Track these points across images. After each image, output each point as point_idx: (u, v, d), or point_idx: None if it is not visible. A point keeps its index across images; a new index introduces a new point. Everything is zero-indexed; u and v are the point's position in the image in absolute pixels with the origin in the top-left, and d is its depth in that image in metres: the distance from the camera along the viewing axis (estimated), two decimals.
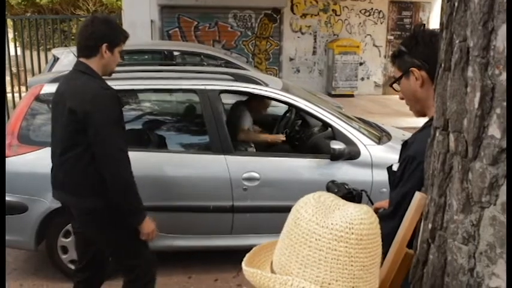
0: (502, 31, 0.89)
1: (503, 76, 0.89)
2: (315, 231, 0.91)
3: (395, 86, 1.71)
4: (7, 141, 3.56)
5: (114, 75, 3.95)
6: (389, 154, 3.54)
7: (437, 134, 1.14)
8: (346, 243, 0.90)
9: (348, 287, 0.91)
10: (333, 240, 0.90)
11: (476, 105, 0.95)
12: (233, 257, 4.06)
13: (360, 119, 4.56)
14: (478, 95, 0.95)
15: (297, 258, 0.93)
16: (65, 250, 3.68)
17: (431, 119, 1.55)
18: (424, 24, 1.78)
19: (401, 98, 1.74)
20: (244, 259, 1.03)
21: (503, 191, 0.91)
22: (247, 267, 0.98)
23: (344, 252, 0.90)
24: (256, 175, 3.56)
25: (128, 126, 3.86)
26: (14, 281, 3.77)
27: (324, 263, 0.90)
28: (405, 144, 1.70)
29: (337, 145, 3.56)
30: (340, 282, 0.91)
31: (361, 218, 0.92)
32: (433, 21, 12.04)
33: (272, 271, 0.98)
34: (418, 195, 1.24)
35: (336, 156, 3.55)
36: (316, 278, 0.91)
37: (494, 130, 0.92)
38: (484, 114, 0.94)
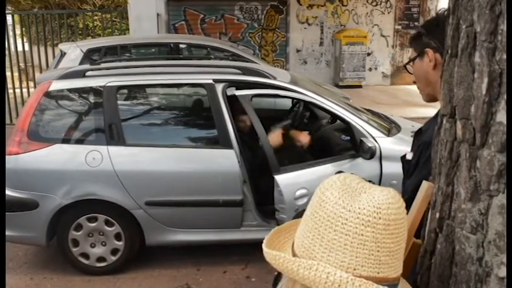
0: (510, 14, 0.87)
1: None
2: (341, 215, 0.88)
3: (408, 67, 1.69)
4: (17, 138, 3.58)
5: (122, 71, 3.98)
6: (399, 146, 3.51)
7: (444, 122, 1.12)
8: (373, 228, 0.87)
9: (373, 272, 0.88)
10: (360, 225, 0.87)
11: (484, 91, 0.93)
12: (241, 250, 4.08)
13: (368, 110, 4.53)
14: (485, 80, 0.93)
15: (322, 242, 0.90)
16: (75, 243, 3.71)
17: None
18: (446, 10, 1.76)
19: (414, 82, 1.72)
20: (264, 241, 0.99)
21: None
22: (268, 249, 0.94)
23: (371, 237, 0.87)
24: (304, 191, 3.40)
25: (140, 122, 3.90)
26: (24, 275, 3.81)
27: (350, 248, 0.87)
28: (419, 132, 1.69)
29: (370, 143, 3.50)
30: (365, 267, 0.88)
31: (388, 202, 0.89)
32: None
33: (294, 254, 0.94)
34: (425, 185, 1.22)
35: (372, 154, 3.47)
36: (341, 263, 0.88)
37: (503, 116, 0.90)
38: (491, 100, 0.92)
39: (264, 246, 0.96)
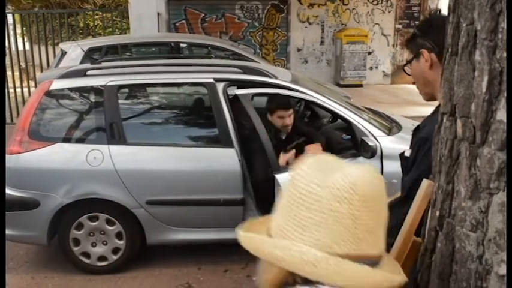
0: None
1: None
2: (314, 191, 0.85)
3: (406, 69, 1.72)
4: (18, 138, 3.59)
5: (123, 70, 3.99)
6: (400, 145, 3.50)
7: (444, 120, 1.12)
8: (349, 204, 0.84)
9: (351, 249, 0.85)
10: (335, 202, 0.84)
11: (484, 90, 0.93)
12: (242, 249, 4.07)
13: (369, 109, 4.52)
14: (485, 79, 0.93)
15: (295, 221, 0.86)
16: (76, 242, 3.71)
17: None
18: (440, 10, 1.78)
19: (413, 83, 1.74)
20: (242, 227, 0.97)
21: None
22: (243, 233, 0.92)
23: (347, 214, 0.84)
24: None
25: (144, 121, 3.90)
26: (25, 274, 3.82)
27: (325, 226, 0.84)
28: (417, 129, 1.71)
29: (371, 142, 3.49)
30: (342, 245, 0.84)
31: (365, 177, 0.85)
32: (442, 10, 11.85)
33: (269, 236, 0.91)
34: (425, 183, 1.23)
35: (373, 153, 3.47)
36: (315, 242, 0.84)
37: (503, 115, 0.90)
38: (492, 98, 0.92)
39: (240, 231, 0.94)
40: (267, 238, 0.89)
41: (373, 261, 0.88)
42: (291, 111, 3.84)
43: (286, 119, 3.81)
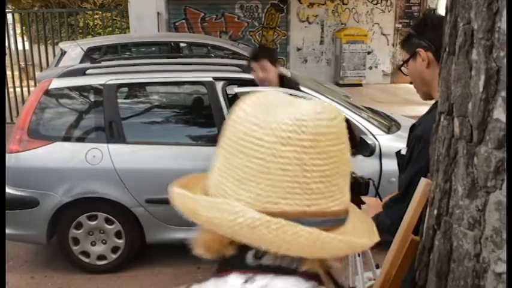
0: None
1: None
2: (252, 133, 0.67)
3: (403, 69, 1.72)
4: (17, 137, 3.59)
5: (122, 69, 3.99)
6: (399, 143, 3.51)
7: (442, 119, 1.13)
8: (295, 146, 0.65)
9: (302, 205, 0.67)
10: (278, 144, 0.65)
11: (481, 89, 0.94)
12: None
13: (368, 108, 4.54)
14: (482, 78, 0.93)
15: (231, 172, 0.68)
16: (76, 242, 3.71)
17: (437, 101, 1.55)
18: (434, 9, 1.80)
19: (410, 83, 1.75)
20: (177, 182, 0.76)
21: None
22: (176, 189, 0.72)
23: (293, 159, 0.65)
24: None
25: (143, 120, 3.91)
26: (25, 273, 3.82)
27: (268, 176, 0.66)
28: (413, 127, 1.72)
29: (370, 140, 3.50)
30: (290, 199, 0.66)
31: (317, 112, 0.67)
32: (442, 9, 11.87)
33: (205, 194, 0.73)
34: (423, 181, 1.23)
35: (372, 151, 3.48)
36: (256, 198, 0.66)
37: (500, 113, 0.90)
38: (488, 97, 0.92)
39: (173, 186, 0.74)
40: (200, 196, 0.70)
41: (334, 219, 0.70)
42: None
43: None
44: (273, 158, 0.66)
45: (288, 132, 0.66)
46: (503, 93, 0.89)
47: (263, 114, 0.68)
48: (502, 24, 0.89)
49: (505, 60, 0.88)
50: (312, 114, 0.67)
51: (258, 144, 0.66)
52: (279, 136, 0.66)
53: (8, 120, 7.93)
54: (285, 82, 3.55)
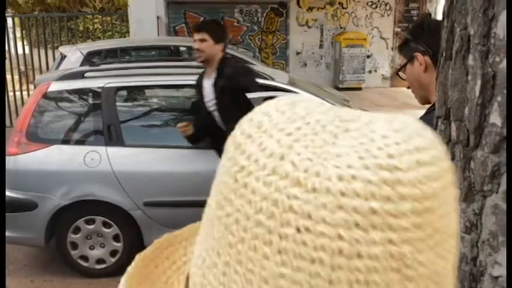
0: (503, 18, 0.89)
1: (504, 64, 0.88)
2: (284, 205, 0.31)
3: (401, 74, 1.73)
4: (16, 139, 3.60)
5: (121, 72, 4.00)
6: None
7: (439, 124, 1.14)
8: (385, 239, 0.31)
9: None
10: (340, 238, 0.31)
11: (477, 94, 0.95)
12: None
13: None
14: (478, 83, 0.94)
15: (248, 274, 0.33)
16: (74, 246, 3.71)
17: (434, 104, 1.56)
18: (431, 14, 1.81)
19: (408, 87, 1.76)
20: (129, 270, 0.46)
21: (505, 180, 0.90)
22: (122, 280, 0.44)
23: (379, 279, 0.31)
24: None
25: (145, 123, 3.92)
26: (24, 277, 3.81)
27: None
28: None
29: None
30: None
31: (411, 148, 0.34)
32: (441, 13, 11.90)
33: None
34: None
35: None
36: None
37: (496, 118, 0.91)
38: (485, 102, 0.93)
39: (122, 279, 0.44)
40: None
41: None
42: None
43: None
44: (330, 270, 0.31)
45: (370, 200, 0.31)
46: (499, 98, 0.90)
47: (307, 154, 0.33)
48: (498, 30, 0.89)
49: (500, 66, 0.89)
50: (403, 147, 0.33)
51: (300, 233, 0.31)
52: (346, 219, 0.31)
53: (8, 123, 7.93)
54: (225, 63, 3.30)
